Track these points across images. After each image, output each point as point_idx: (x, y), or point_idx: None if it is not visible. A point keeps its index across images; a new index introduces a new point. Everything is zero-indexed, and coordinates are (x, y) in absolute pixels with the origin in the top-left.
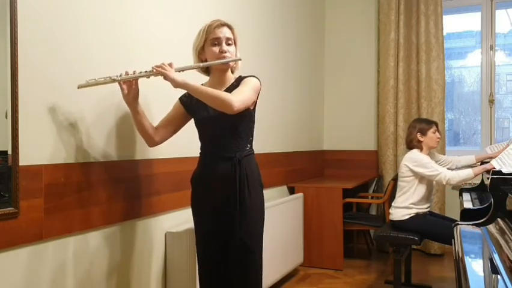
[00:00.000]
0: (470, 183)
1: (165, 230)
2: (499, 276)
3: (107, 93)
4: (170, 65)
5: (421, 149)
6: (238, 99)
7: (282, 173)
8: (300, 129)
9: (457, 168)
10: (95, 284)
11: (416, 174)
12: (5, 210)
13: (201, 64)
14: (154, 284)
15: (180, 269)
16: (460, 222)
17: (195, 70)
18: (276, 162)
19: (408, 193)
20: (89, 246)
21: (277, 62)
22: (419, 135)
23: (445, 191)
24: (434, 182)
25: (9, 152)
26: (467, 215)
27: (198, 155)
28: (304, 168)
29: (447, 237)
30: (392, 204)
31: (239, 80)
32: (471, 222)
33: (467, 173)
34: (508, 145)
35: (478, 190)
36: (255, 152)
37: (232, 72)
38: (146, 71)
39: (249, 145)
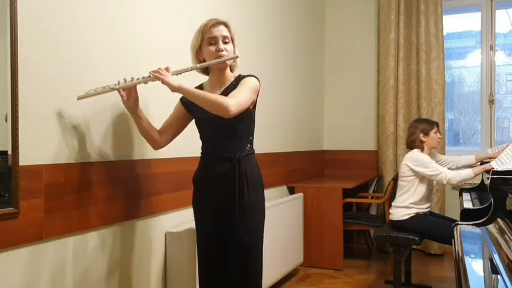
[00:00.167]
0: (470, 183)
1: (165, 230)
2: (499, 276)
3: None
4: (167, 69)
5: (422, 149)
6: (234, 102)
7: (282, 173)
8: (300, 129)
9: (457, 168)
10: (95, 284)
11: (416, 173)
12: (5, 210)
13: (198, 65)
14: (154, 284)
15: (180, 269)
16: (460, 222)
17: (194, 70)
18: (276, 162)
19: (408, 193)
20: (89, 246)
21: (277, 62)
22: (421, 136)
23: (445, 191)
24: (435, 181)
25: (9, 152)
26: (467, 215)
27: (199, 155)
28: (304, 168)
29: (447, 237)
30: (392, 203)
31: (238, 80)
32: (471, 222)
33: (467, 173)
34: (508, 146)
35: (478, 190)
36: (255, 152)
37: (232, 70)
38: (143, 77)
39: (249, 145)
